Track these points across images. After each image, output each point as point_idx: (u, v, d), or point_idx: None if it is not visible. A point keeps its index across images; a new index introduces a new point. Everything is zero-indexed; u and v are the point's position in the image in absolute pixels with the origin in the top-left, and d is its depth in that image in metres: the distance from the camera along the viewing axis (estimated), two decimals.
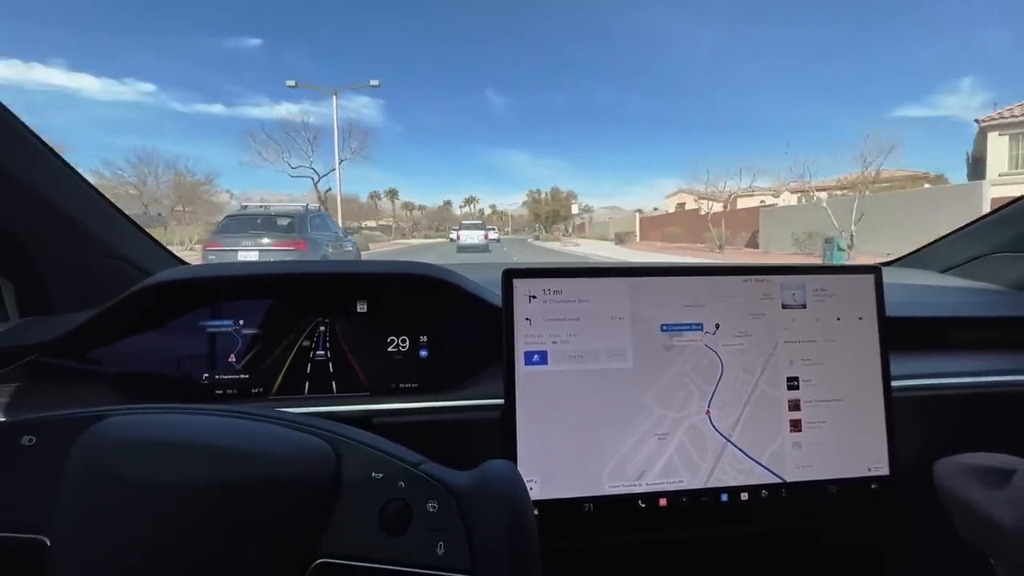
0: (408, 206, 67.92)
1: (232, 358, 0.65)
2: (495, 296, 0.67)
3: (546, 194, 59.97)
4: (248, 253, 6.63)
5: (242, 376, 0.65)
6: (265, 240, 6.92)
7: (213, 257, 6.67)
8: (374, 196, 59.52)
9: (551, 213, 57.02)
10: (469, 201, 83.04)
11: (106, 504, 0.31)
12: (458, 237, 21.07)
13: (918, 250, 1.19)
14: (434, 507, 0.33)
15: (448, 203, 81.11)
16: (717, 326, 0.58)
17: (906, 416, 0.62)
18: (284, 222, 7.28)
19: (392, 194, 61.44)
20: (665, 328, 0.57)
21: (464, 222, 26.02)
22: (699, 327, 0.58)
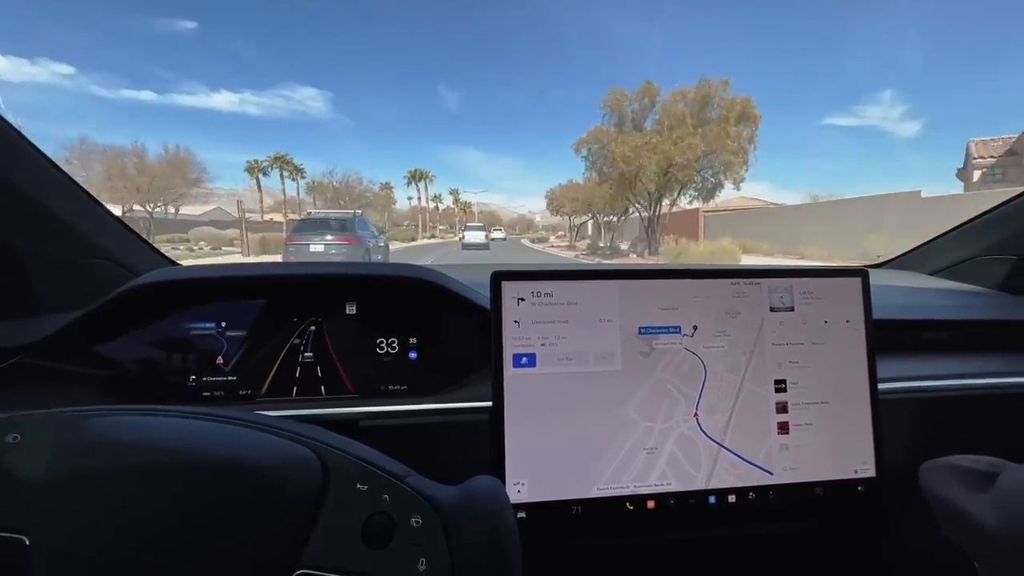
0: (317, 188, 39.55)
1: (220, 360, 0.64)
2: (484, 298, 0.67)
3: (679, 97, 15.33)
4: (317, 246, 9.07)
5: (230, 378, 0.64)
6: (328, 237, 9.20)
7: (292, 249, 9.15)
8: (255, 167, 33.76)
9: (703, 162, 14.92)
10: (417, 177, 54.46)
11: (87, 506, 0.31)
12: (463, 237, 25.68)
13: (907, 252, 1.20)
14: (417, 522, 0.33)
15: (388, 186, 52.30)
16: (695, 328, 0.58)
17: (893, 418, 0.62)
18: (339, 224, 9.66)
19: (283, 163, 34.33)
20: (643, 331, 0.57)
21: (468, 223, 32.77)
22: (677, 330, 0.58)
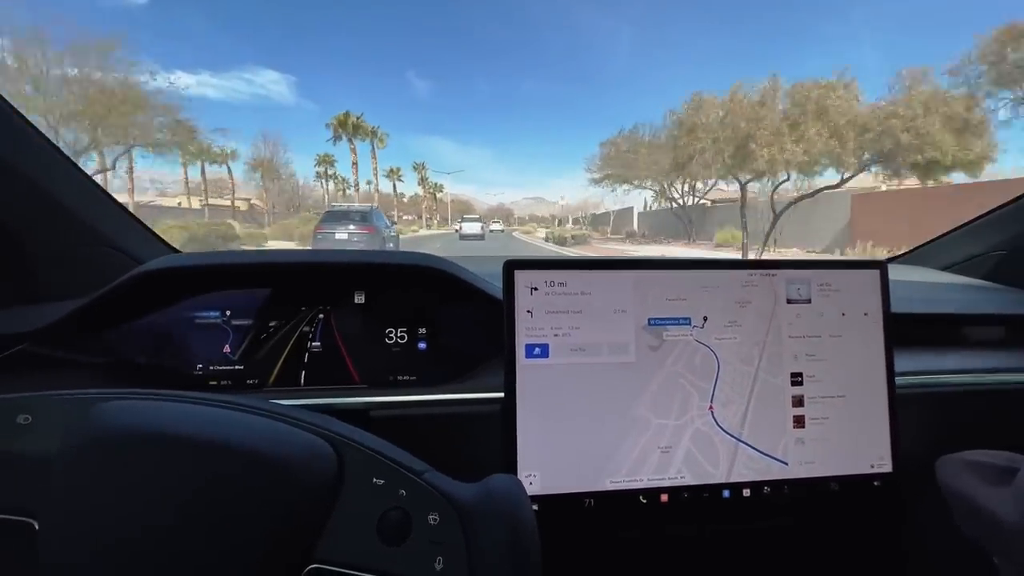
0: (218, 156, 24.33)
1: (227, 348, 0.64)
2: (495, 288, 0.66)
3: None
4: (341, 234, 10.21)
5: (236, 367, 0.63)
6: (351, 227, 10.42)
7: (320, 237, 10.28)
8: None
9: None
10: (348, 128, 33.80)
11: (97, 490, 0.30)
12: (460, 228, 26.77)
13: (918, 247, 1.19)
14: (435, 519, 0.32)
15: (327, 159, 36.30)
16: (705, 319, 0.57)
17: (909, 413, 0.61)
18: (359, 215, 11.04)
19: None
20: (653, 323, 0.56)
21: (465, 215, 32.64)
22: (687, 321, 0.57)
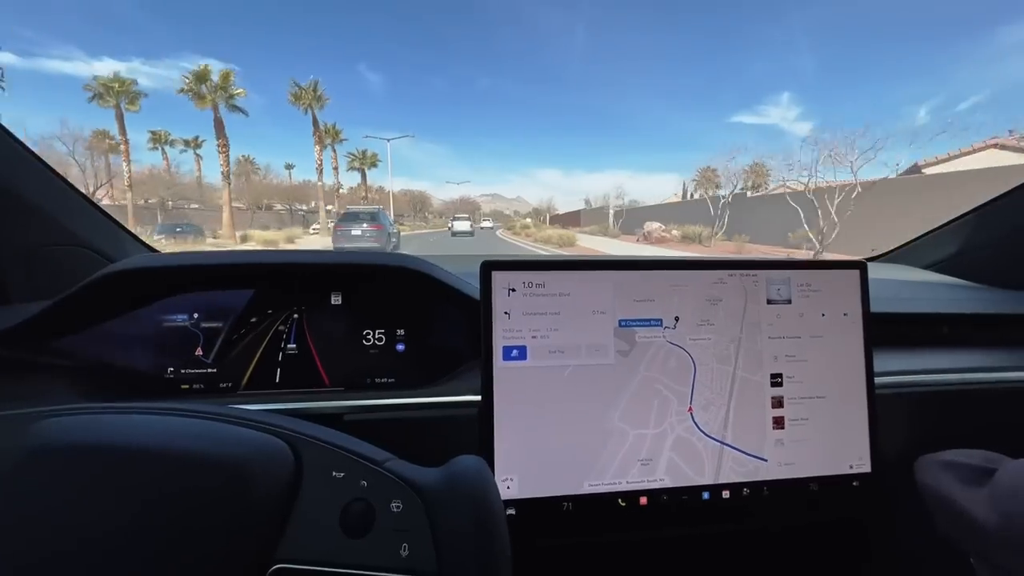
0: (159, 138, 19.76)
1: (199, 351, 0.62)
2: (474, 289, 0.65)
3: None
4: (356, 231, 12.01)
5: (209, 370, 0.62)
6: (364, 225, 12.21)
7: (340, 233, 12.13)
8: None
9: None
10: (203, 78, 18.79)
11: (40, 511, 0.29)
12: (452, 226, 30.05)
13: (902, 246, 1.19)
14: (398, 507, 0.32)
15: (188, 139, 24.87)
16: (676, 319, 0.56)
17: (889, 413, 0.61)
18: (369, 216, 12.90)
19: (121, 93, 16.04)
20: (623, 324, 0.55)
21: (456, 215, 34.92)
22: (658, 322, 0.56)
